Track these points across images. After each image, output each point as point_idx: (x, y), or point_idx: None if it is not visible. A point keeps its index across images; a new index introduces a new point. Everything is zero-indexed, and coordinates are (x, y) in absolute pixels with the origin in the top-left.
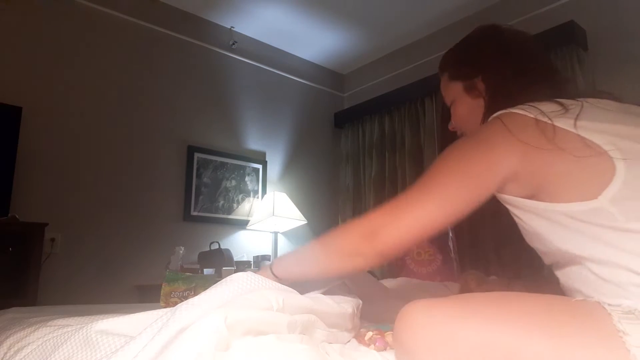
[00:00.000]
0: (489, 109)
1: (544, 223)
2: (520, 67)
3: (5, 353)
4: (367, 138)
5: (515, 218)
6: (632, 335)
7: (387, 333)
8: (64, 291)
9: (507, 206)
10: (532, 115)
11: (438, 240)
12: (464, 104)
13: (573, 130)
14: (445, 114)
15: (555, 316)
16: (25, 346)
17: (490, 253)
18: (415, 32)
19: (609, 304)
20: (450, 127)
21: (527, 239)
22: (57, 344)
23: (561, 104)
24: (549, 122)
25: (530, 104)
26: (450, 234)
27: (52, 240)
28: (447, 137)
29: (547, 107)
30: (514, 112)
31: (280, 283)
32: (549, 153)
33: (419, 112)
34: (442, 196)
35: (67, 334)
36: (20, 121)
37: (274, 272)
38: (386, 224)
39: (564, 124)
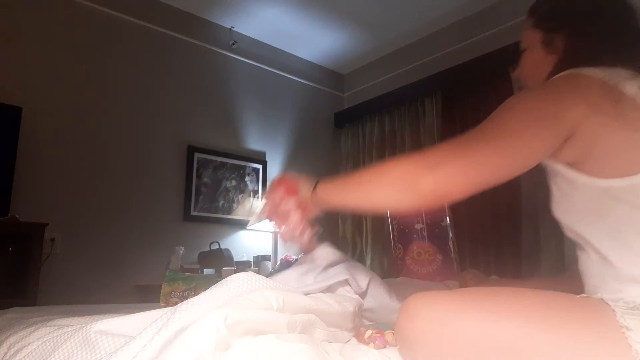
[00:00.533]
0: (559, 68)
1: (578, 195)
2: (610, 33)
3: (5, 353)
4: (367, 138)
5: (552, 185)
6: (635, 330)
7: (387, 332)
8: (64, 291)
9: (549, 170)
10: (598, 77)
11: (438, 240)
12: (535, 56)
13: (636, 98)
14: (515, 58)
15: (556, 311)
16: (25, 346)
17: (490, 253)
18: (415, 32)
19: (613, 300)
20: (513, 73)
21: (554, 208)
22: (57, 344)
23: (629, 70)
24: (615, 86)
25: (599, 66)
26: (450, 234)
27: (52, 240)
28: (447, 138)
29: (615, 71)
30: (581, 72)
31: (319, 205)
32: (607, 118)
33: (419, 112)
34: (508, 143)
35: (66, 334)
36: (20, 121)
37: (318, 191)
38: (447, 161)
39: (629, 90)
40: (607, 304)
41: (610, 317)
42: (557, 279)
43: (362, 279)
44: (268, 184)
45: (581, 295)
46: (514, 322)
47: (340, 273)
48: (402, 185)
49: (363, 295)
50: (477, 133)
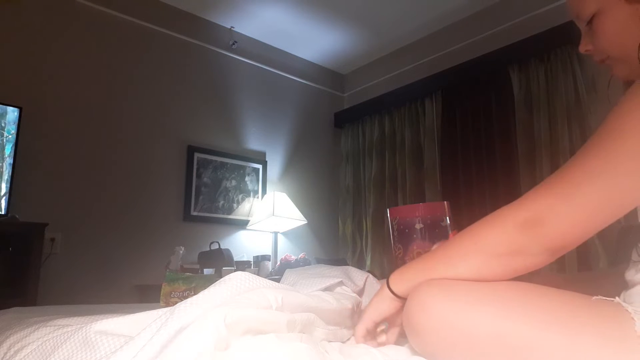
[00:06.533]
0: None
1: None
2: None
3: (5, 353)
4: (367, 138)
5: None
6: None
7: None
8: (64, 291)
9: None
10: None
11: (438, 240)
12: (616, 13)
13: None
14: (578, 33)
15: (576, 313)
16: (25, 346)
17: None
18: (415, 32)
19: (634, 308)
20: (584, 49)
21: None
22: (56, 344)
23: None
24: None
25: None
26: (450, 234)
27: (52, 240)
28: (447, 138)
29: None
30: None
31: (399, 301)
32: None
33: (419, 112)
34: (636, 165)
35: (66, 334)
36: (20, 121)
37: (394, 290)
38: (552, 206)
39: None
40: (626, 310)
41: (629, 325)
42: (563, 277)
43: (359, 277)
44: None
45: (596, 297)
46: (531, 323)
47: (335, 277)
48: (503, 254)
49: (360, 293)
50: (590, 159)
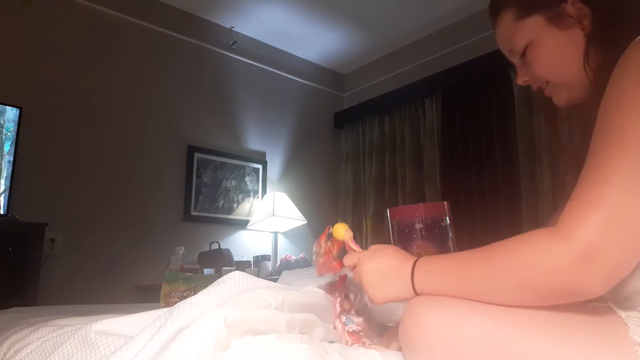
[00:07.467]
0: (600, 33)
1: None
2: None
3: (5, 353)
4: (367, 138)
5: None
6: None
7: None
8: (64, 291)
9: None
10: None
11: (438, 240)
12: (550, 41)
13: None
14: (510, 63)
15: (571, 320)
16: (25, 346)
17: None
18: (415, 32)
19: (626, 314)
20: (522, 81)
21: None
22: (56, 344)
23: None
24: None
25: None
26: (450, 234)
27: (52, 240)
28: (447, 138)
29: None
30: None
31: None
32: None
33: (419, 112)
34: None
35: (66, 334)
36: (20, 121)
37: (416, 288)
38: (604, 232)
39: None
40: (620, 317)
41: (622, 330)
42: None
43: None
44: (268, 185)
45: (591, 303)
46: (526, 331)
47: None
48: (561, 294)
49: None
50: (629, 169)
